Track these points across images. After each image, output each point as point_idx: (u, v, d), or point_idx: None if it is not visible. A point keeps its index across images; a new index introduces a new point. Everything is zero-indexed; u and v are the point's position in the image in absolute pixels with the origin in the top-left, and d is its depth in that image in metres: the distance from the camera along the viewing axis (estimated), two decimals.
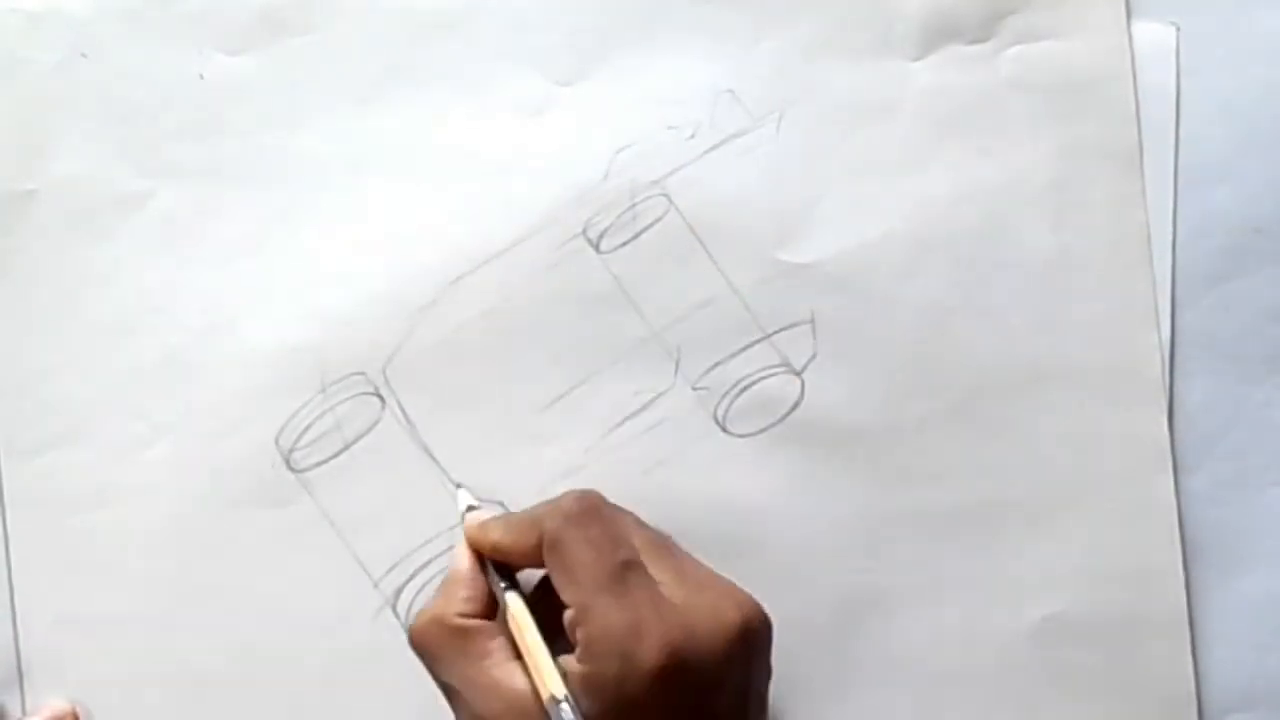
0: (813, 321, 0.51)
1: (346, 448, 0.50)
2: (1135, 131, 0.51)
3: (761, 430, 0.51)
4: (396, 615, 0.50)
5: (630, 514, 0.46)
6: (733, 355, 0.51)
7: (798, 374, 0.51)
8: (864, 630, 0.50)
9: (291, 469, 0.50)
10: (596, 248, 0.51)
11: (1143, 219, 0.51)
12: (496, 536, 0.46)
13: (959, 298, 0.51)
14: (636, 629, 0.41)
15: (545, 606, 0.44)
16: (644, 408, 0.51)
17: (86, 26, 0.52)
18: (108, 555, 0.50)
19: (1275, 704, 0.50)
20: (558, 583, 0.43)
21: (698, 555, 0.49)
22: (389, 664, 0.50)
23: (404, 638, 0.49)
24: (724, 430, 0.51)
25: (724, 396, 0.51)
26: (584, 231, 0.51)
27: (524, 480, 0.50)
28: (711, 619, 0.42)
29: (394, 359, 0.51)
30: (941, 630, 0.50)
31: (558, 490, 0.50)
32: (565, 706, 0.41)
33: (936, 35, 0.52)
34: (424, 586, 0.50)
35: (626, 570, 0.43)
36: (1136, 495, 0.50)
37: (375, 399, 0.50)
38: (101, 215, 0.51)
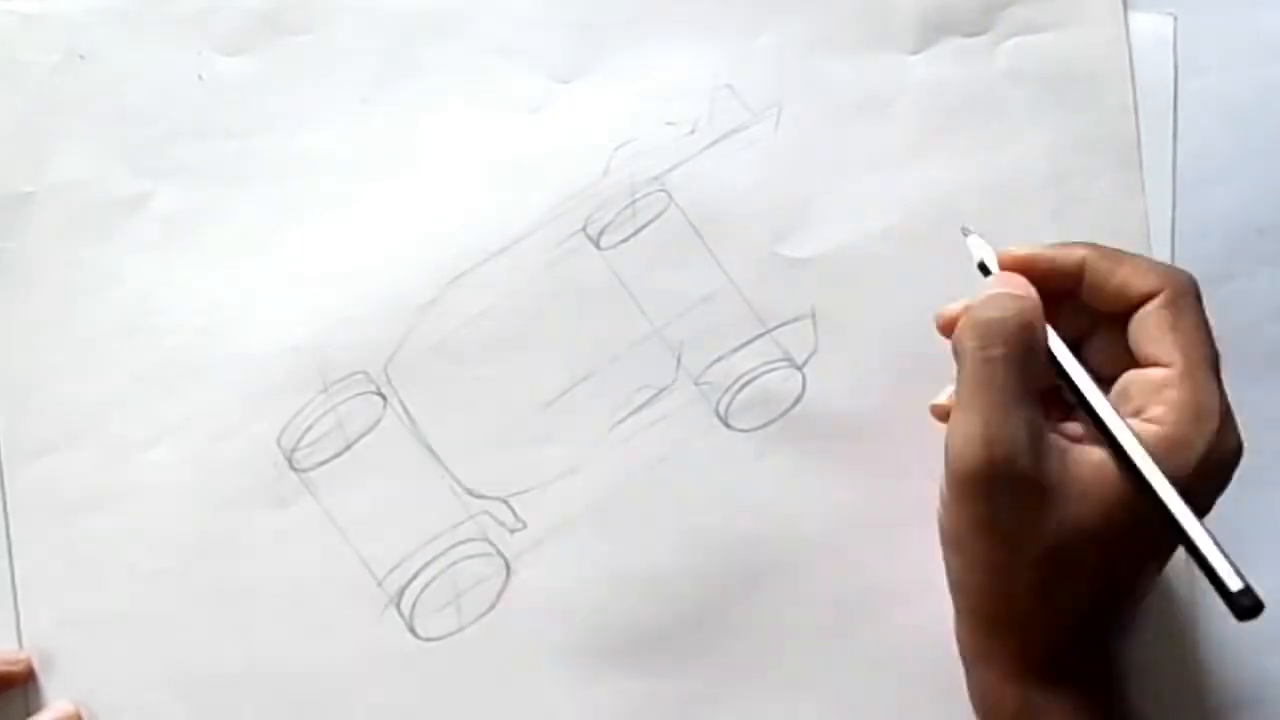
0: (813, 316, 0.51)
1: (349, 447, 0.50)
2: (1134, 123, 0.51)
3: (763, 425, 0.51)
4: (400, 613, 0.50)
5: None
6: (734, 350, 0.51)
7: (799, 369, 0.51)
8: (864, 625, 0.50)
9: (294, 469, 0.50)
10: (597, 244, 0.51)
11: (1142, 210, 0.51)
12: (1082, 254, 0.45)
13: (958, 290, 0.51)
14: (1227, 421, 0.43)
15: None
16: (646, 404, 0.51)
17: (84, 28, 0.52)
18: (110, 556, 0.50)
19: (1276, 704, 0.50)
20: (1158, 340, 0.43)
21: (700, 552, 0.49)
22: (392, 661, 0.50)
23: (407, 637, 0.50)
24: (726, 425, 0.51)
25: (726, 392, 0.51)
26: (584, 228, 0.51)
27: (527, 477, 0.50)
28: (1226, 445, 0.43)
29: (395, 358, 0.50)
30: (942, 625, 0.50)
31: (561, 486, 0.50)
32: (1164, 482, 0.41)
33: (934, 28, 0.52)
34: (427, 585, 0.50)
35: (1217, 364, 0.43)
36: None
37: (377, 398, 0.50)
38: (101, 217, 0.51)
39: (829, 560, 0.50)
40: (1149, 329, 0.43)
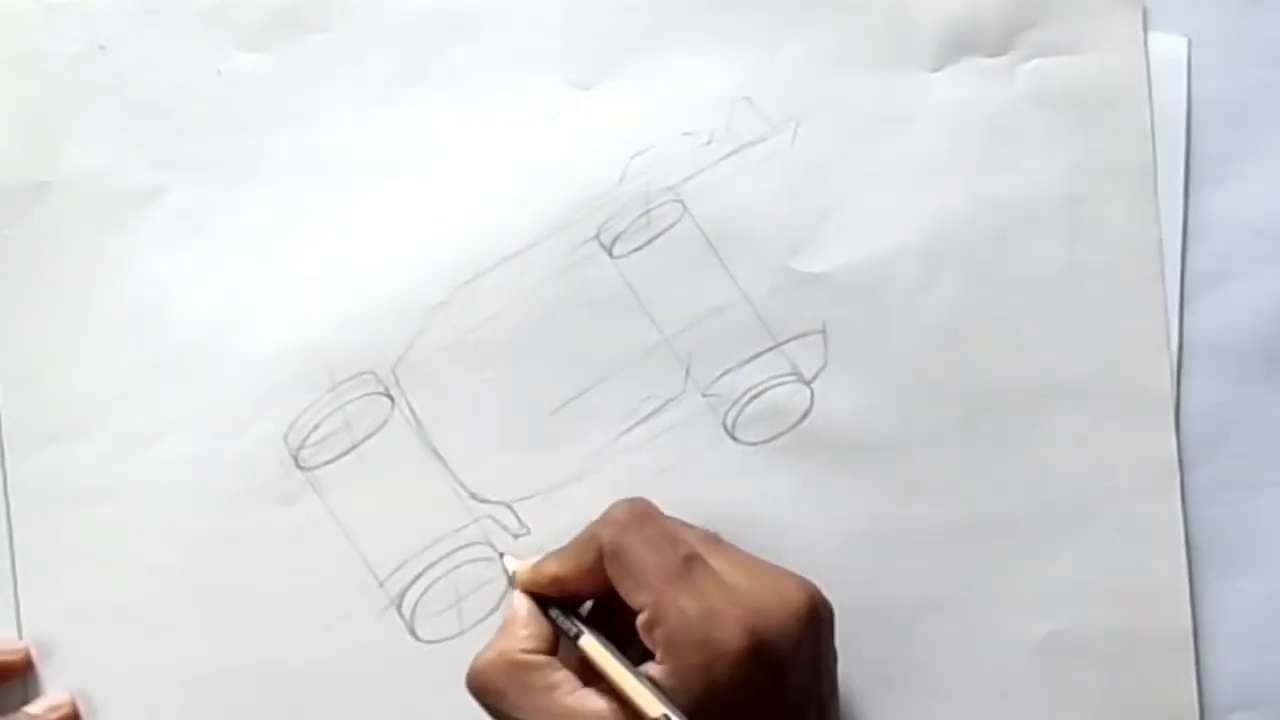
0: (824, 331, 0.51)
1: (355, 447, 0.50)
2: (1150, 148, 0.51)
3: (770, 439, 0.51)
4: (401, 615, 0.50)
5: (674, 518, 0.46)
6: (743, 363, 0.51)
7: (808, 383, 0.51)
8: (868, 641, 0.50)
9: (299, 467, 0.50)
10: (610, 252, 0.51)
11: (1156, 237, 0.51)
12: (554, 569, 0.46)
13: (971, 311, 0.51)
14: (712, 616, 0.42)
15: (606, 629, 0.45)
16: (653, 413, 0.51)
17: (105, 20, 0.52)
18: (113, 549, 0.50)
19: (1277, 704, 0.50)
20: (625, 589, 0.44)
21: None
22: (392, 663, 0.50)
23: (407, 639, 0.50)
24: (733, 438, 0.51)
25: (733, 404, 0.51)
26: (597, 236, 0.51)
27: (532, 483, 0.50)
28: (779, 600, 0.43)
29: (404, 359, 0.51)
30: (946, 643, 0.50)
31: (565, 493, 0.50)
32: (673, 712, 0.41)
33: (955, 47, 0.52)
34: (429, 587, 0.50)
35: (690, 563, 0.43)
36: (1144, 512, 0.50)
37: (385, 399, 0.50)
38: (116, 209, 0.51)
39: (832, 576, 0.50)
40: (616, 585, 0.44)
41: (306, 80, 0.52)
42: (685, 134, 0.51)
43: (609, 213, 0.51)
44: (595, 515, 0.50)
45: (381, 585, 0.50)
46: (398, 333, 0.51)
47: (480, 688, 0.45)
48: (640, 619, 0.43)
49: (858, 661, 0.50)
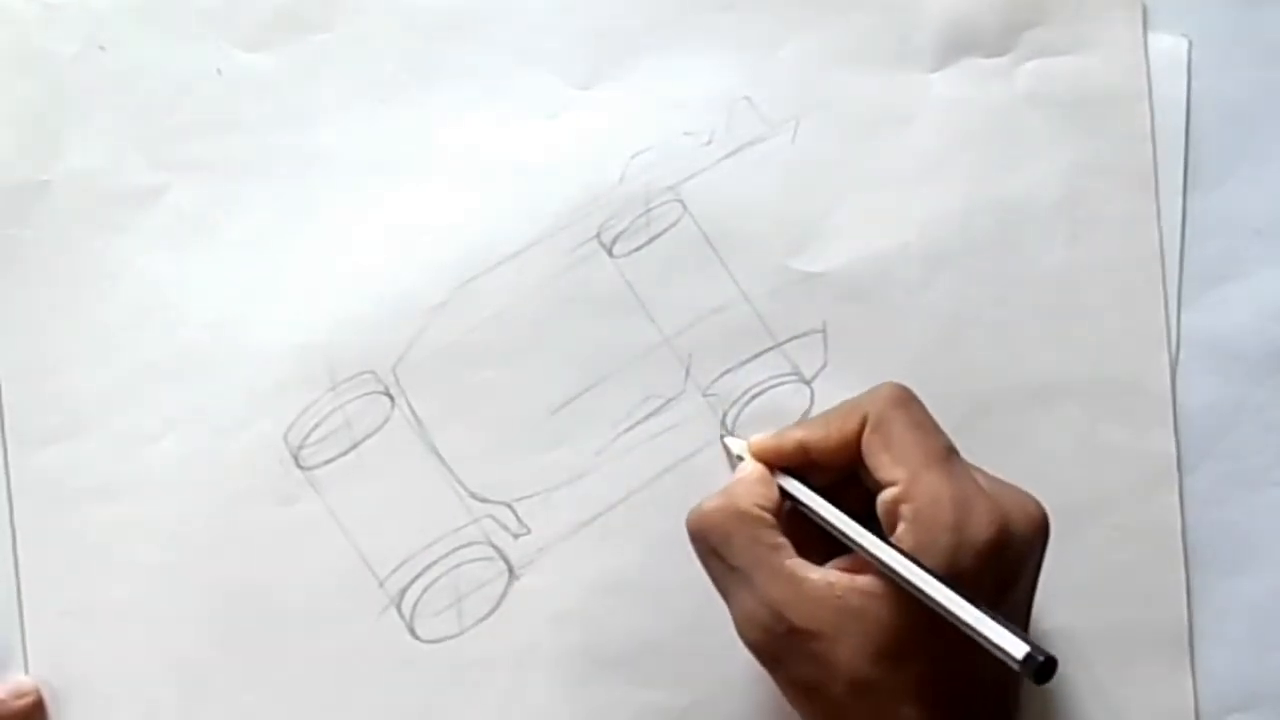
0: (824, 331, 0.51)
1: (355, 446, 0.50)
2: (1150, 149, 0.51)
3: None
4: (401, 615, 0.50)
5: None
6: (743, 363, 0.51)
7: (808, 383, 0.51)
8: None
9: (300, 466, 0.50)
10: (610, 252, 0.51)
11: (1155, 237, 0.51)
12: (801, 435, 0.46)
13: (970, 310, 0.51)
14: (968, 504, 0.42)
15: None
16: (654, 413, 0.51)
17: (105, 19, 0.52)
18: (114, 548, 0.50)
19: (1276, 704, 0.50)
20: (879, 462, 0.44)
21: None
22: (392, 663, 0.50)
23: (407, 639, 0.50)
24: (734, 437, 0.51)
25: (733, 404, 0.51)
26: (598, 235, 0.51)
27: (531, 483, 0.50)
28: (1021, 507, 0.44)
29: (405, 359, 0.51)
30: None
31: (565, 493, 0.50)
32: (926, 574, 0.41)
33: (955, 48, 0.52)
34: (429, 587, 0.50)
35: (951, 453, 0.44)
36: (1142, 512, 0.50)
37: (385, 398, 0.50)
38: (115, 208, 0.51)
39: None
40: (870, 458, 0.44)
41: (307, 80, 0.52)
42: (685, 133, 0.51)
43: (609, 213, 0.51)
44: (595, 515, 0.50)
45: (381, 585, 0.50)
46: (398, 332, 0.51)
47: (704, 531, 0.45)
48: (888, 494, 0.43)
49: None
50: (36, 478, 0.50)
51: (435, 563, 0.50)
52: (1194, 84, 0.52)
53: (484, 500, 0.50)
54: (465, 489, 0.50)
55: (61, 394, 0.51)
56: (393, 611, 0.50)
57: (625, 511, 0.50)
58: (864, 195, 0.51)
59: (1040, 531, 0.44)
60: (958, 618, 0.40)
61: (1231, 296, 0.51)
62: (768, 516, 0.44)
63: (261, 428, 0.50)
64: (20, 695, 0.49)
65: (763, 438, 0.47)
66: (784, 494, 0.46)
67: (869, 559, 0.42)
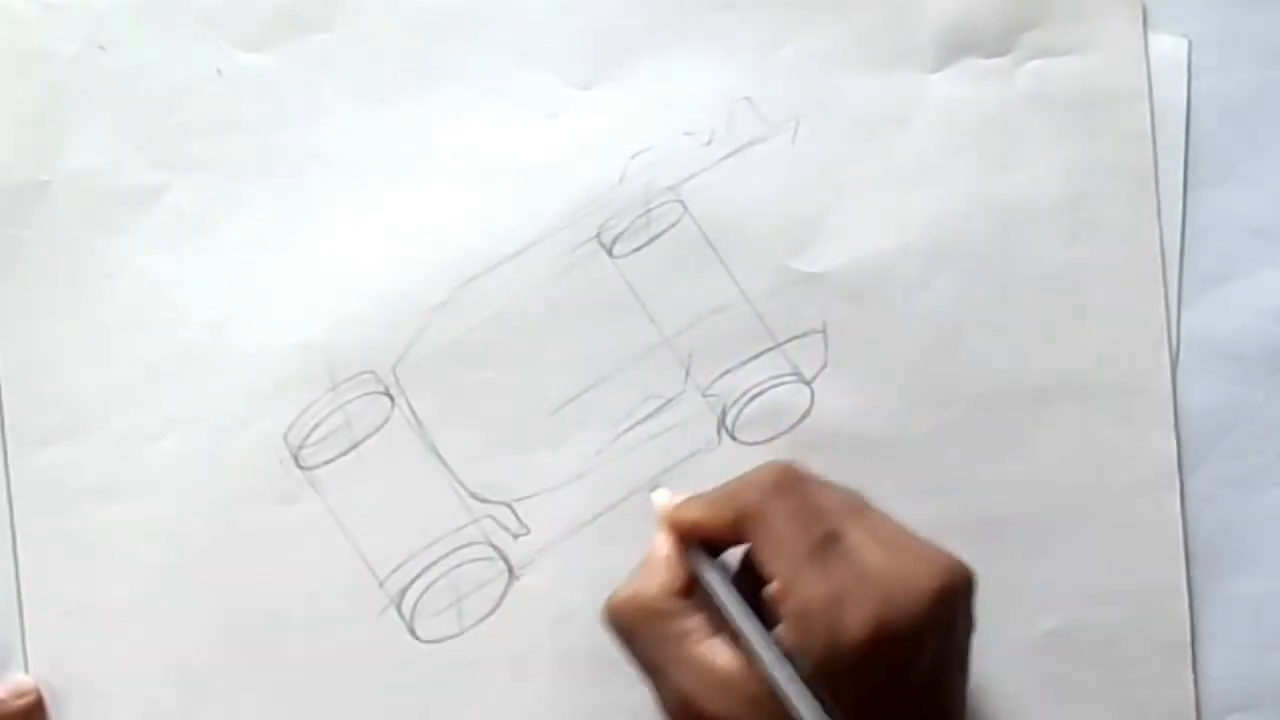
0: (824, 331, 0.51)
1: (355, 446, 0.50)
2: (1150, 149, 0.51)
3: (770, 439, 0.51)
4: (400, 615, 0.50)
5: (822, 478, 0.46)
6: (743, 363, 0.51)
7: (808, 383, 0.51)
8: None
9: (300, 466, 0.50)
10: (610, 252, 0.51)
11: (1156, 237, 0.51)
12: (696, 514, 0.45)
13: (971, 311, 0.51)
14: (841, 602, 0.41)
15: (742, 583, 0.44)
16: (653, 413, 0.51)
17: (105, 19, 0.52)
18: (114, 548, 0.50)
19: (1276, 704, 0.50)
20: (760, 556, 0.43)
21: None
22: (392, 663, 0.50)
23: (407, 639, 0.50)
24: (732, 438, 0.51)
25: (733, 404, 0.51)
26: (598, 235, 0.51)
27: (531, 483, 0.50)
28: (912, 585, 0.42)
29: (405, 359, 0.51)
30: None
31: (565, 493, 0.50)
32: (792, 670, 0.41)
33: (955, 48, 0.52)
34: (429, 587, 0.50)
35: (828, 542, 0.43)
36: (1143, 512, 0.50)
37: (385, 398, 0.50)
38: (116, 208, 0.51)
39: None
40: (752, 547, 0.44)
41: (306, 80, 0.52)
42: (685, 134, 0.51)
43: (609, 213, 0.51)
44: (595, 515, 0.50)
45: (381, 585, 0.50)
46: (398, 333, 0.51)
47: (615, 626, 0.45)
48: (768, 590, 0.43)
49: None
50: (36, 478, 0.50)
51: (435, 563, 0.50)
52: (1194, 84, 0.52)
53: (484, 500, 0.50)
54: (465, 489, 0.50)
55: (61, 394, 0.51)
56: (393, 611, 0.50)
57: (625, 512, 0.50)
58: (864, 195, 0.51)
59: (935, 600, 0.42)
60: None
61: (1231, 296, 0.51)
62: (674, 604, 0.44)
63: (261, 428, 0.50)
64: (20, 694, 0.49)
65: (668, 508, 0.46)
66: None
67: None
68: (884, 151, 0.51)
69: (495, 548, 0.50)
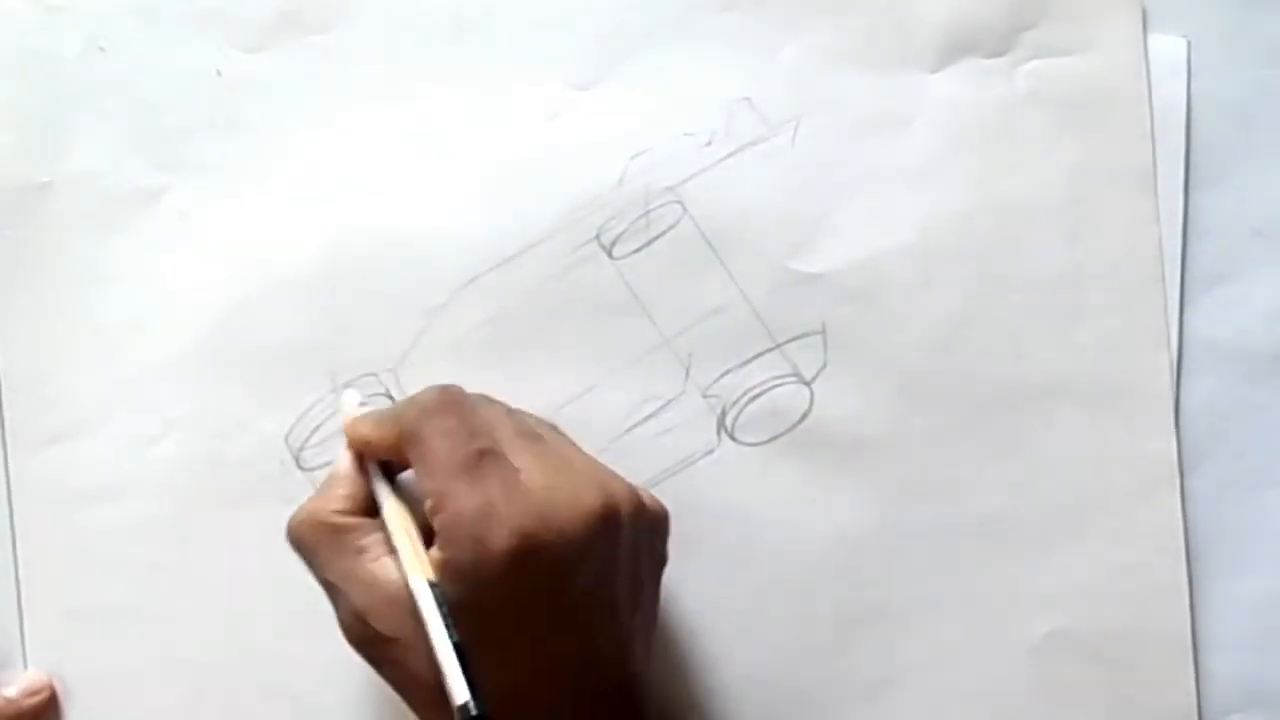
0: (824, 332, 0.51)
1: None
2: (1150, 149, 0.51)
3: (770, 440, 0.51)
4: None
5: (502, 405, 0.46)
6: (743, 364, 0.51)
7: (807, 384, 0.51)
8: (867, 642, 0.50)
9: (301, 467, 0.50)
10: (609, 253, 0.51)
11: (1156, 237, 0.51)
12: (366, 431, 0.46)
13: (971, 311, 0.51)
14: (487, 514, 0.41)
15: (416, 504, 0.44)
16: (653, 414, 0.51)
17: (105, 20, 0.52)
18: (114, 549, 0.50)
19: (1276, 704, 0.50)
20: (417, 474, 0.43)
21: (701, 562, 0.49)
22: None
23: None
24: (732, 438, 0.51)
25: (733, 405, 0.51)
26: (597, 237, 0.51)
27: None
28: (569, 502, 0.42)
29: (405, 360, 0.51)
30: (946, 643, 0.50)
31: None
32: (426, 589, 0.41)
33: (954, 48, 0.52)
34: None
35: (481, 458, 0.42)
36: (1143, 513, 0.50)
37: (385, 400, 0.50)
38: (116, 209, 0.51)
39: (832, 576, 0.50)
40: (411, 464, 0.44)
41: (306, 81, 0.52)
42: (685, 134, 0.51)
43: (609, 213, 0.51)
44: None
45: None
46: (399, 334, 0.51)
47: (295, 544, 0.45)
48: (425, 506, 0.43)
49: (855, 661, 0.50)
50: (36, 478, 0.51)
51: None
52: (1194, 84, 0.52)
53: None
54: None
55: (61, 394, 0.51)
56: None
57: None
58: (864, 195, 0.51)
59: (592, 521, 0.42)
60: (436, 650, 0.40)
61: (1232, 297, 0.51)
62: (350, 521, 0.44)
63: (262, 429, 0.51)
64: (33, 692, 0.49)
65: (350, 420, 0.46)
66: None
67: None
68: (884, 151, 0.51)
69: None
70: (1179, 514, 0.50)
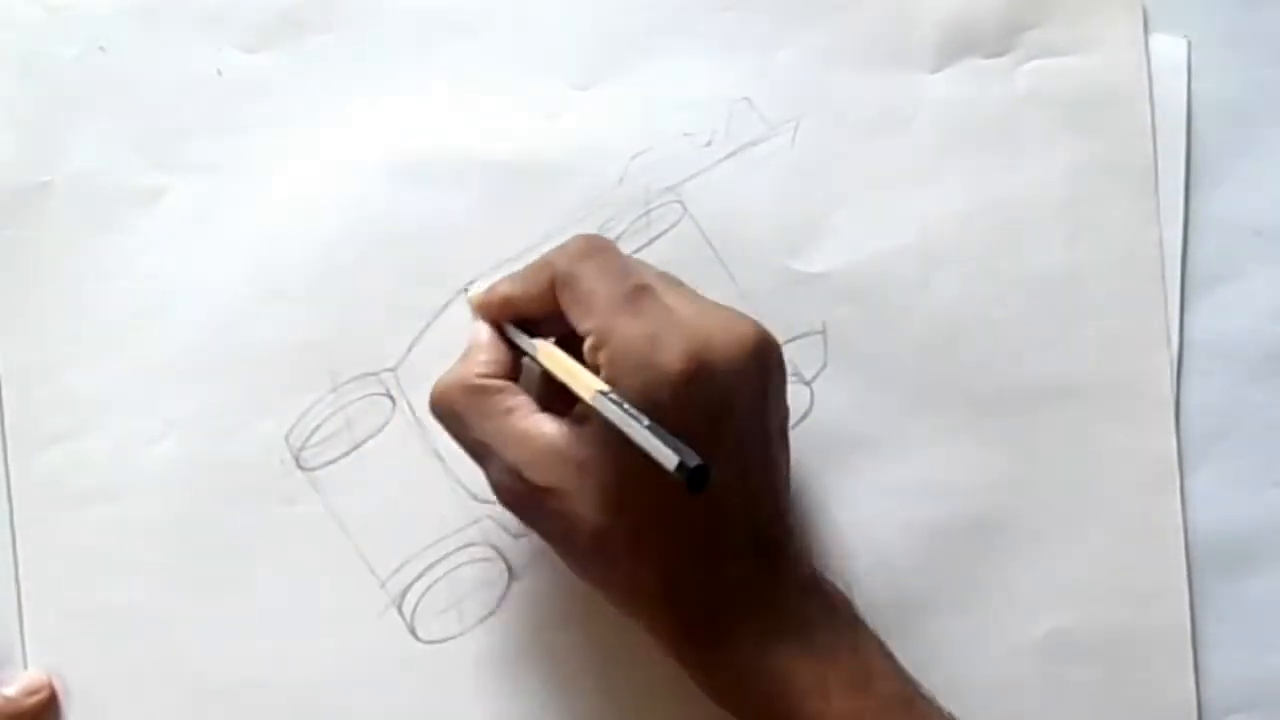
0: (824, 332, 0.51)
1: (356, 447, 0.50)
2: (1150, 149, 0.51)
3: None
4: (401, 615, 0.50)
5: (638, 259, 0.47)
6: None
7: (807, 384, 0.51)
8: None
9: (301, 467, 0.50)
10: None
11: (1156, 238, 0.51)
12: (505, 289, 0.47)
13: (971, 311, 0.51)
14: (656, 340, 0.42)
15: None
16: None
17: (105, 20, 0.52)
18: (114, 549, 0.50)
19: (1276, 704, 0.50)
20: (574, 316, 0.44)
21: None
22: (392, 663, 0.50)
23: (408, 639, 0.50)
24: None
25: None
26: None
27: None
28: (727, 330, 0.44)
29: (406, 360, 0.51)
30: (946, 643, 0.50)
31: None
32: (608, 398, 0.41)
33: (954, 48, 0.52)
34: (429, 587, 0.50)
35: (640, 293, 0.44)
36: (1143, 512, 0.50)
37: (386, 400, 0.50)
38: (116, 209, 0.51)
39: (830, 576, 0.50)
40: (566, 312, 0.45)
41: (307, 81, 0.52)
42: (685, 135, 0.51)
43: (609, 214, 0.51)
44: None
45: (382, 585, 0.50)
46: (399, 334, 0.51)
47: (441, 412, 0.46)
48: (586, 344, 0.44)
49: None
50: (37, 478, 0.51)
51: (436, 563, 0.50)
52: (1194, 84, 0.52)
53: (484, 501, 0.50)
54: (465, 490, 0.50)
55: (62, 394, 0.51)
56: (393, 612, 0.50)
57: None
58: (864, 195, 0.51)
59: (749, 348, 0.43)
60: (628, 436, 0.40)
61: (1232, 297, 0.51)
62: (496, 383, 0.45)
63: (262, 429, 0.51)
64: (32, 692, 0.49)
65: (483, 293, 0.47)
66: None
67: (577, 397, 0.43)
68: (883, 152, 0.51)
69: (495, 549, 0.50)
70: (1179, 513, 0.50)
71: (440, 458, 0.50)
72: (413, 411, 0.50)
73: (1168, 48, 0.52)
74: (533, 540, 0.50)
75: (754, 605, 0.44)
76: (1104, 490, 0.50)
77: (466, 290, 0.50)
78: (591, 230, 0.51)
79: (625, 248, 0.51)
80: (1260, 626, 0.49)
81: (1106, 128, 0.51)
